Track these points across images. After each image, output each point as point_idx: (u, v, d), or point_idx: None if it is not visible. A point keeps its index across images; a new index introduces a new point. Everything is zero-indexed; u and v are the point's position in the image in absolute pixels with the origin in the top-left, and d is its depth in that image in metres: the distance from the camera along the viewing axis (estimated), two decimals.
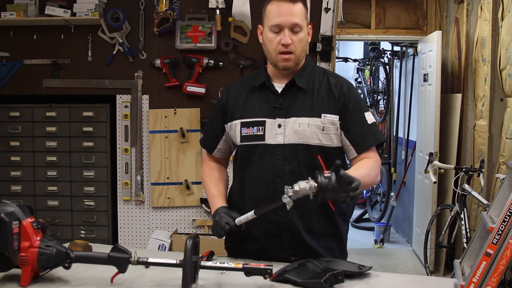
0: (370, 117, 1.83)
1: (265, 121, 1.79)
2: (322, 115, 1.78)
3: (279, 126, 1.78)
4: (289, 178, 1.76)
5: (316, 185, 1.49)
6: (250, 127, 1.81)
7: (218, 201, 1.85)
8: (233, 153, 2.01)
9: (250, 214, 1.67)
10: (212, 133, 1.97)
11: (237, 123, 1.85)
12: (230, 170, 2.15)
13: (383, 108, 6.13)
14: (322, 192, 1.48)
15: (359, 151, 1.81)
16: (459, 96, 4.08)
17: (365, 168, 1.76)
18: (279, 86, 1.83)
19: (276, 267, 1.58)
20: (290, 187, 1.53)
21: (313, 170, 1.75)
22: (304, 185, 1.51)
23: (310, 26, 1.81)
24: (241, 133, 1.83)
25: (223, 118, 1.91)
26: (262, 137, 1.79)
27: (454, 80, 4.35)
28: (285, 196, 1.54)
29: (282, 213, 1.76)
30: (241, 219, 1.70)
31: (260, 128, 1.80)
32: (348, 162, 1.92)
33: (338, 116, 1.79)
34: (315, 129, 1.77)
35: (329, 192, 1.47)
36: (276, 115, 1.79)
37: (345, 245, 1.95)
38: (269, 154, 1.79)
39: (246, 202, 1.83)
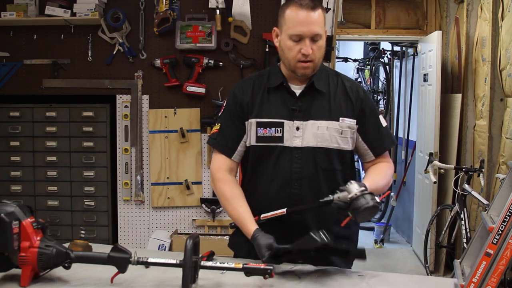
0: (383, 120, 1.86)
1: (283, 122, 1.77)
2: (340, 119, 1.78)
3: (297, 128, 1.76)
4: (306, 182, 1.76)
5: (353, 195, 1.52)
6: (268, 128, 1.78)
7: (249, 225, 1.72)
8: None
9: (280, 211, 1.69)
10: (230, 135, 1.84)
11: (252, 122, 1.80)
12: None
13: (383, 108, 6.13)
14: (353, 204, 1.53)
15: (377, 154, 1.84)
16: (459, 96, 4.08)
17: (383, 174, 1.81)
18: (296, 88, 1.81)
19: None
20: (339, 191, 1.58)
21: (330, 174, 1.77)
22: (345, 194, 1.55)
23: (326, 29, 1.78)
24: (257, 133, 1.79)
25: (243, 117, 1.82)
26: (281, 139, 1.77)
27: (454, 80, 4.35)
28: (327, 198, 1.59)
29: (297, 216, 1.75)
30: (267, 214, 1.72)
31: (279, 129, 1.77)
32: (360, 164, 1.94)
33: (355, 121, 1.80)
34: (334, 133, 1.77)
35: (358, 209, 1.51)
36: (295, 118, 1.77)
37: (356, 245, 1.95)
38: (286, 156, 1.77)
39: (257, 203, 1.80)
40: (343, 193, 1.55)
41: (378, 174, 1.80)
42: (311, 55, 1.71)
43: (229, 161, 1.85)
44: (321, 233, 1.53)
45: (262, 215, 1.72)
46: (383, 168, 1.83)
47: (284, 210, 1.69)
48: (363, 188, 1.53)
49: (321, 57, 1.76)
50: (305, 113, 1.77)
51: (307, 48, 1.69)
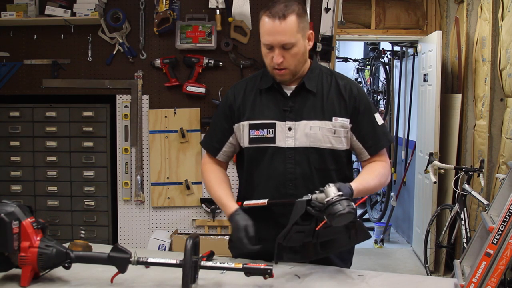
0: (379, 119, 1.84)
1: (275, 123, 1.78)
2: (333, 118, 1.77)
3: (290, 129, 1.77)
4: (301, 182, 1.76)
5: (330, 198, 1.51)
6: (260, 129, 1.79)
7: (230, 203, 1.78)
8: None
9: (261, 201, 1.71)
10: (216, 135, 1.90)
11: (245, 124, 1.82)
12: (229, 171, 2.14)
13: (383, 108, 6.13)
14: (328, 210, 1.51)
15: (372, 153, 1.82)
16: (459, 96, 4.08)
17: (376, 173, 1.77)
18: (287, 89, 1.81)
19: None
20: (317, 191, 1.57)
21: (324, 174, 1.75)
22: (322, 196, 1.54)
23: (310, 32, 1.76)
24: (249, 135, 1.80)
25: (231, 119, 1.86)
26: (273, 140, 1.77)
27: (454, 80, 4.35)
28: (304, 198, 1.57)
29: (278, 209, 1.75)
30: (249, 202, 1.74)
31: (271, 130, 1.78)
32: (359, 163, 1.92)
33: (349, 120, 1.79)
34: (326, 132, 1.76)
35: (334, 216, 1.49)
36: (286, 118, 1.77)
37: (352, 253, 1.96)
38: (279, 157, 1.77)
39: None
40: (321, 194, 1.55)
41: (370, 174, 1.78)
42: (284, 63, 1.71)
43: (215, 160, 1.93)
44: (306, 196, 1.57)
45: (245, 202, 1.74)
46: (377, 167, 1.80)
47: (266, 201, 1.71)
48: (340, 193, 1.52)
49: (298, 63, 1.75)
50: (297, 114, 1.78)
51: (276, 57, 1.70)
